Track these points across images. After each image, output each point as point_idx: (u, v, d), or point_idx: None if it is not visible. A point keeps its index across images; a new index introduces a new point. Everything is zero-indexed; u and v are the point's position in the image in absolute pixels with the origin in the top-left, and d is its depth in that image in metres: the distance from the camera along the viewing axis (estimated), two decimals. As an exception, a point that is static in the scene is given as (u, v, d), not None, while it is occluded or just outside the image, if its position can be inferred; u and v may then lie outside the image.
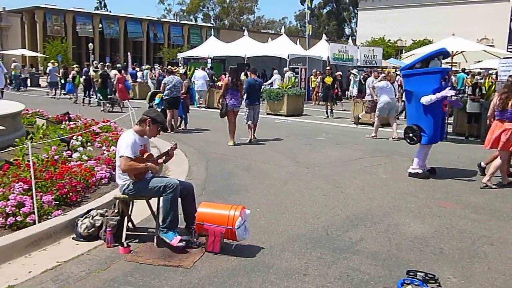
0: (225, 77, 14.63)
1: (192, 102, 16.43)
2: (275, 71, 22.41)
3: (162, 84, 12.01)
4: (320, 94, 18.48)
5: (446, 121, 8.60)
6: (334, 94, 16.83)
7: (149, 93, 14.06)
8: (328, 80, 16.68)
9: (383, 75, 12.31)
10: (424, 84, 7.33)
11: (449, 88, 7.38)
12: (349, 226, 5.17)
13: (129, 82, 20.97)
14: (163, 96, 11.85)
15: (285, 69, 22.38)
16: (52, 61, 25.62)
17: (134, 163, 4.42)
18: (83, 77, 20.62)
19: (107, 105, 17.19)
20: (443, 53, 8.00)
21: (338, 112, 17.33)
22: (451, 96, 7.40)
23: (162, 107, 11.86)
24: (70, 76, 21.11)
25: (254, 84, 10.84)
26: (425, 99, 7.22)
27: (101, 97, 17.60)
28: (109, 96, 17.71)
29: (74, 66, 23.80)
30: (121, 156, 4.44)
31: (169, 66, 18.10)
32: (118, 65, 25.69)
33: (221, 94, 10.68)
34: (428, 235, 4.94)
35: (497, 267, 4.15)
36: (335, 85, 16.92)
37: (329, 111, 16.55)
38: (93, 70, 20.23)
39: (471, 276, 3.95)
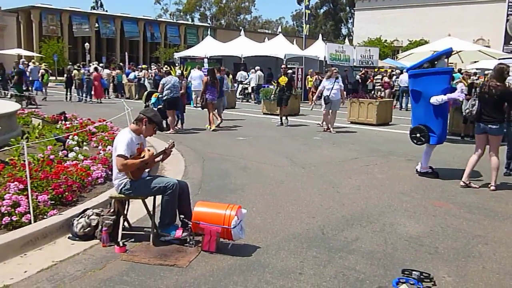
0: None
1: (189, 101, 16.42)
2: (252, 70, 22.78)
3: (160, 85, 12.02)
4: (273, 95, 14.85)
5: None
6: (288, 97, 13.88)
7: (145, 93, 14.04)
8: (283, 80, 13.70)
9: (328, 73, 13.04)
10: (433, 84, 7.32)
11: (460, 90, 7.39)
12: (344, 226, 5.19)
13: (105, 81, 22.85)
14: (163, 97, 11.79)
15: (256, 68, 22.70)
16: (33, 60, 25.77)
17: (130, 161, 4.42)
18: (65, 75, 22.42)
19: (24, 101, 17.66)
20: (449, 53, 8.05)
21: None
22: (462, 100, 7.44)
23: (159, 107, 11.86)
24: (39, 73, 21.99)
25: (220, 81, 13.16)
26: (435, 99, 7.23)
27: (17, 93, 18.15)
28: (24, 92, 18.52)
29: (42, 64, 24.22)
30: (117, 155, 4.45)
31: (166, 66, 18.20)
32: (93, 63, 26.32)
33: (203, 91, 12.64)
34: (423, 234, 4.96)
35: (491, 266, 4.17)
36: (292, 87, 14.09)
37: (283, 117, 13.99)
38: (76, 69, 21.74)
39: (465, 275, 3.97)
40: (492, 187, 6.76)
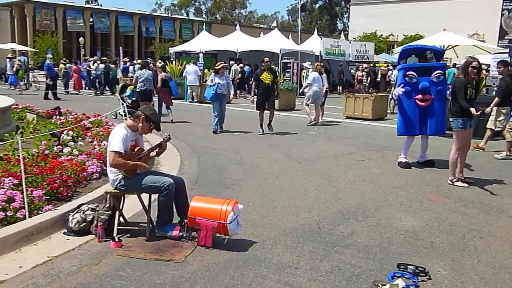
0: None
1: (173, 94, 16.36)
2: (232, 62, 23.13)
3: (134, 78, 12.68)
4: (253, 97, 11.59)
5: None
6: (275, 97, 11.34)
7: (120, 85, 14.47)
8: (267, 77, 10.99)
9: (312, 67, 13.46)
10: (397, 81, 8.18)
11: (402, 85, 7.77)
12: (340, 220, 5.19)
13: (84, 73, 24.75)
14: (137, 89, 12.26)
15: (231, 62, 22.99)
16: (9, 55, 25.87)
17: (123, 160, 4.40)
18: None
19: None
20: (427, 50, 8.15)
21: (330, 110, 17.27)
22: (403, 93, 7.73)
23: (134, 98, 12.31)
24: (14, 68, 22.70)
25: (166, 79, 13.40)
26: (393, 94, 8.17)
27: None
28: None
29: (17, 59, 24.55)
30: (111, 151, 4.43)
31: (139, 60, 18.59)
32: (95, 58, 26.81)
33: (160, 85, 13.13)
34: (418, 228, 4.98)
35: (486, 260, 4.19)
36: (275, 86, 11.32)
37: (264, 123, 11.29)
38: (62, 63, 23.44)
39: (461, 269, 3.99)
40: (449, 181, 6.83)
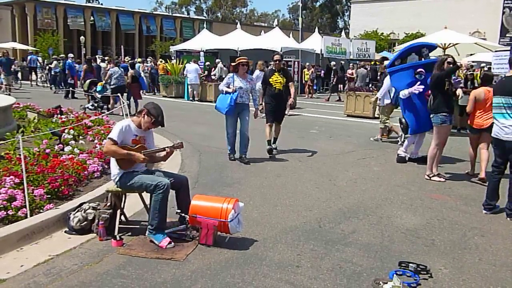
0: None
1: (143, 89, 16.75)
2: (217, 60, 23.70)
3: (108, 74, 14.33)
4: (261, 105, 9.09)
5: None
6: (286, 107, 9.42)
7: (87, 82, 15.39)
8: (278, 81, 8.35)
9: (257, 65, 13.97)
10: (401, 80, 7.95)
11: (418, 83, 7.65)
12: (341, 219, 5.19)
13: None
14: (112, 85, 13.82)
15: (217, 60, 23.27)
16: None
17: (115, 147, 4.39)
18: (47, 67, 25.26)
19: None
20: (422, 47, 8.24)
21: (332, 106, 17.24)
22: (419, 92, 7.65)
23: (105, 93, 13.58)
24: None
25: (136, 75, 14.71)
26: (402, 94, 7.84)
27: None
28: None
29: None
30: (107, 138, 4.47)
31: (106, 57, 19.53)
32: (98, 57, 27.06)
33: (82, 77, 15.07)
34: (420, 227, 4.97)
35: (487, 258, 4.19)
36: (289, 89, 8.63)
37: (271, 139, 8.74)
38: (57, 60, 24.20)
39: (462, 267, 3.99)
40: (426, 176, 7.05)
